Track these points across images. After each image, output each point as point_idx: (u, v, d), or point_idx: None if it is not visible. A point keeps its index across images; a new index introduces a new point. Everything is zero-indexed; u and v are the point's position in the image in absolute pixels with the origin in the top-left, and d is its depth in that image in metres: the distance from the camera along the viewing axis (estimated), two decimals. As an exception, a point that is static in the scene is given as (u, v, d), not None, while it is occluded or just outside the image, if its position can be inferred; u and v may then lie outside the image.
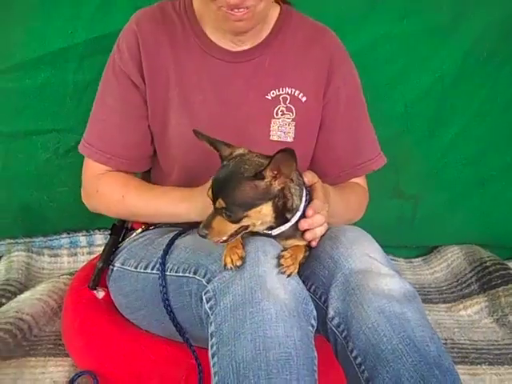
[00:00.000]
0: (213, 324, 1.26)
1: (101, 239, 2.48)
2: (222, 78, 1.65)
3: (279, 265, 1.29)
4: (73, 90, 2.19)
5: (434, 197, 2.52)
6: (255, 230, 1.35)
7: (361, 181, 1.83)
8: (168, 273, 1.48)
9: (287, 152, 1.22)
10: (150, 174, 1.82)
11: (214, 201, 1.29)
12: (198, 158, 1.58)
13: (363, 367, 1.28)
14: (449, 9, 2.24)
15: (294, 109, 1.67)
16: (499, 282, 2.33)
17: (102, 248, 2.36)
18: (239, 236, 1.33)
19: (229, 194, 1.27)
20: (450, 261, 2.56)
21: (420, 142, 2.43)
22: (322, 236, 1.45)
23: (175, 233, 1.59)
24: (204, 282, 1.33)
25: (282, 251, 1.33)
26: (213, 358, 1.24)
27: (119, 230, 1.80)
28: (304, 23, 1.73)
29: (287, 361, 1.17)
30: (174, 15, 1.65)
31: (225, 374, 1.19)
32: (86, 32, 2.13)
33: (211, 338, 1.25)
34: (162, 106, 1.66)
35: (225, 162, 1.33)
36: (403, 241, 2.60)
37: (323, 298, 1.40)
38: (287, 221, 1.36)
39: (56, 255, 2.44)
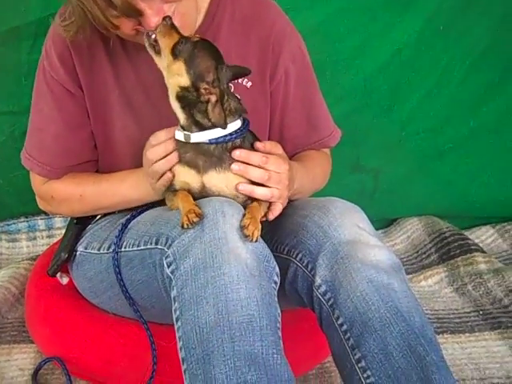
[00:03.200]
0: (175, 288, 1.25)
1: (60, 222, 2.44)
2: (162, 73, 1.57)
3: (245, 236, 1.26)
4: (27, 70, 2.10)
5: (394, 170, 2.55)
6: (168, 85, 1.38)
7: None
8: (130, 248, 1.47)
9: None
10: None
11: None
12: None
13: (349, 334, 1.30)
14: (405, -20, 2.25)
15: (239, 96, 1.58)
16: (458, 252, 2.38)
17: (62, 231, 2.38)
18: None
19: None
20: (410, 232, 2.60)
21: (379, 116, 2.44)
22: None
23: (133, 212, 1.58)
24: (166, 249, 1.31)
25: (242, 218, 1.30)
26: (177, 322, 1.23)
27: (85, 218, 1.75)
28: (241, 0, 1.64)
29: (250, 323, 1.18)
30: None
31: (188, 339, 1.19)
32: (40, 10, 2.05)
33: (174, 303, 1.25)
34: (103, 110, 1.59)
35: None
36: (364, 214, 2.62)
37: (310, 267, 1.40)
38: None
39: (14, 240, 2.40)
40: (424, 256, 2.47)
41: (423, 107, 2.44)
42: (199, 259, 1.23)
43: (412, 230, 2.60)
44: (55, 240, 2.33)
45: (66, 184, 1.64)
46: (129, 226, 1.53)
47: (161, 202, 1.54)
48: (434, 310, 2.13)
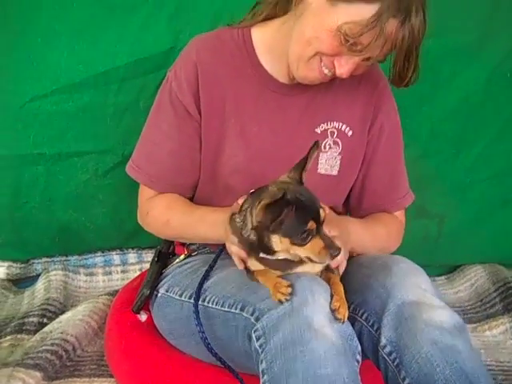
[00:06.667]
0: (263, 362, 1.30)
1: (134, 258, 2.52)
2: (277, 110, 1.67)
3: (336, 318, 1.33)
4: (113, 112, 2.22)
5: (459, 216, 2.56)
6: None
7: (397, 212, 1.86)
8: (214, 306, 1.52)
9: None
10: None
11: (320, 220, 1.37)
12: (252, 187, 1.58)
13: None
14: (474, 29, 2.28)
15: (340, 143, 1.70)
16: (524, 303, 2.34)
17: (136, 267, 2.47)
18: None
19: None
20: (474, 280, 2.58)
21: (444, 162, 2.47)
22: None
23: (210, 264, 1.62)
24: (252, 320, 1.38)
25: (332, 300, 1.37)
26: None
27: (165, 256, 1.83)
28: None
29: None
30: (233, 45, 1.66)
31: None
32: (128, 55, 2.17)
33: (263, 376, 1.30)
34: (216, 136, 1.67)
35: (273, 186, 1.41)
36: (427, 260, 2.53)
37: (376, 327, 1.46)
38: None
39: (91, 274, 2.49)
40: (488, 305, 2.44)
41: (489, 154, 2.46)
42: (288, 334, 1.29)
43: (476, 278, 2.57)
44: (129, 275, 2.46)
45: (161, 204, 1.73)
46: (212, 279, 1.58)
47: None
48: (498, 361, 2.11)
